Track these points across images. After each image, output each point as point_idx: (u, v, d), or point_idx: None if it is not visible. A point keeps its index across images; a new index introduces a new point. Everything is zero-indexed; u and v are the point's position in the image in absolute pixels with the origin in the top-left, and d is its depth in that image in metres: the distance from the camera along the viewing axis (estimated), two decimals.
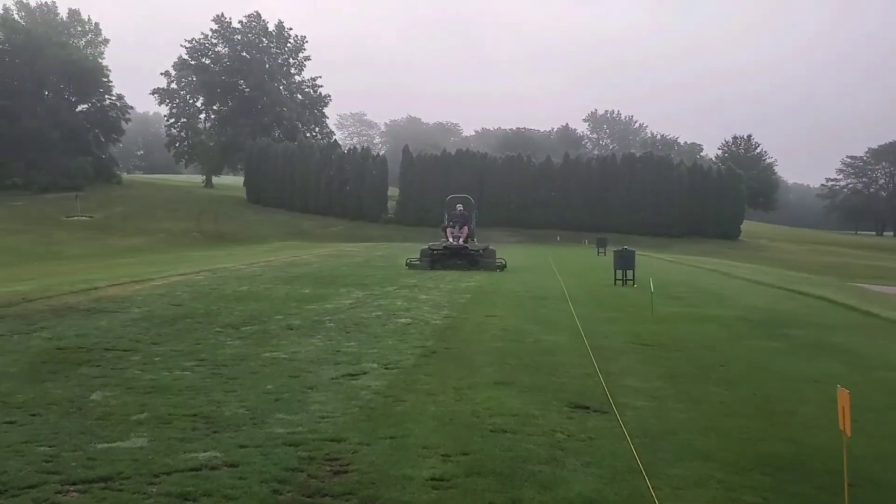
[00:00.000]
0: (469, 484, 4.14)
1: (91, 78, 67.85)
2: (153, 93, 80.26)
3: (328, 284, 15.98)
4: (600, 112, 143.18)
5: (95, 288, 13.67)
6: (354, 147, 75.62)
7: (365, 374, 7.09)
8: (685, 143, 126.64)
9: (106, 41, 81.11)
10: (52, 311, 10.67)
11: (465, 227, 22.92)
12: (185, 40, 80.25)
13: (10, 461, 4.28)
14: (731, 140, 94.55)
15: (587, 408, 6.02)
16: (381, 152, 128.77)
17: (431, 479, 4.19)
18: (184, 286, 14.86)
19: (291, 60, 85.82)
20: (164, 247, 41.19)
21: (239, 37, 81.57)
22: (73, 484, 3.96)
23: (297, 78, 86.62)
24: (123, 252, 35.97)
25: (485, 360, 8.03)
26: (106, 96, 71.44)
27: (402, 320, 10.87)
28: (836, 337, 10.34)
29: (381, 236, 55.79)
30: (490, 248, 23.14)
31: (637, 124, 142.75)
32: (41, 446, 4.59)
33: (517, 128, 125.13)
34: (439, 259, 21.65)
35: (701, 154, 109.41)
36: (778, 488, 4.23)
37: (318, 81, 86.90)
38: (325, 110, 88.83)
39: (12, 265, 26.49)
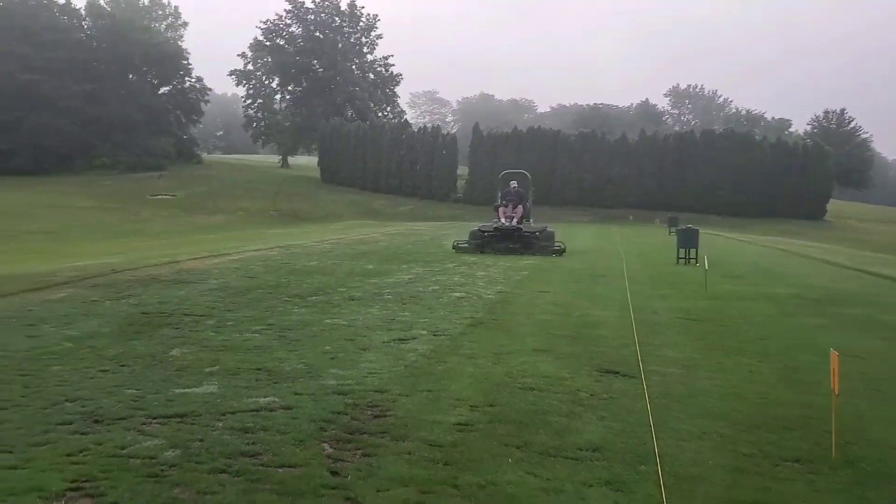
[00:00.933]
0: (490, 429, 4.69)
1: (172, 61, 70.62)
2: (230, 74, 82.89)
3: (391, 261, 16.70)
4: (682, 87, 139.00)
5: (177, 261, 14.80)
6: (425, 126, 76.07)
7: (414, 339, 7.71)
8: (773, 118, 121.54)
9: (185, 24, 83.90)
10: (137, 281, 11.74)
11: (520, 207, 20.36)
12: (261, 21, 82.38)
13: (104, 399, 5.09)
14: (821, 115, 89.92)
15: (617, 372, 6.45)
16: (453, 131, 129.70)
17: (457, 424, 4.75)
18: (257, 260, 15.86)
19: (364, 39, 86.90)
20: (243, 224, 43.04)
21: (312, 17, 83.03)
22: (155, 418, 4.71)
23: (369, 57, 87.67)
24: (204, 229, 37.88)
25: (528, 330, 8.51)
26: (186, 78, 74.16)
27: (457, 294, 11.44)
28: (890, 315, 10.30)
29: (449, 216, 56.40)
30: (548, 229, 20.54)
31: (721, 99, 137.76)
32: (129, 389, 5.39)
33: (594, 104, 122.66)
34: (489, 242, 19.65)
35: (789, 130, 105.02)
36: (776, 443, 4.60)
37: (390, 60, 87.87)
38: (397, 89, 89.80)
39: (102, 240, 28.45)
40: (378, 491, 3.64)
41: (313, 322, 8.58)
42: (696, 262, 17.51)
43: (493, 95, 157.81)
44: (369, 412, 5.00)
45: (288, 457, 4.06)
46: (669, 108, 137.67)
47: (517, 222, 20.01)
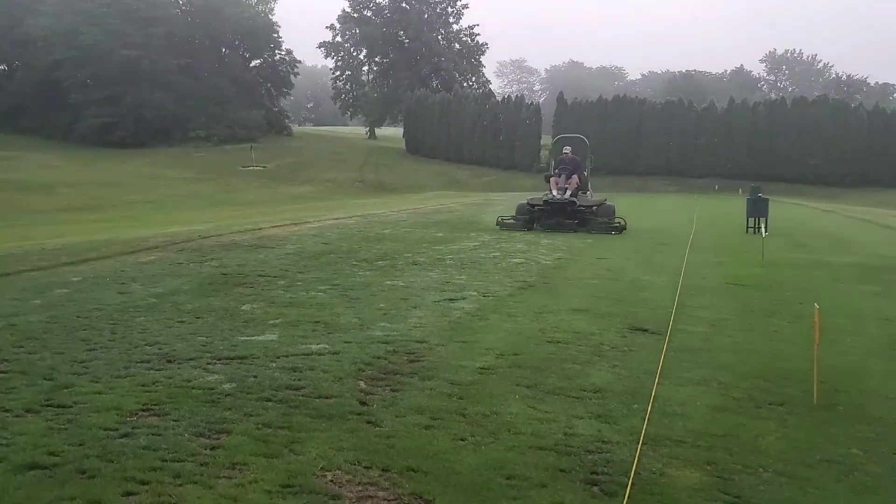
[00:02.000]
0: (507, 372, 5.24)
1: (262, 34, 73.01)
2: (319, 46, 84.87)
3: (461, 229, 17.29)
4: (779, 52, 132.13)
5: (259, 228, 15.90)
6: (508, 96, 75.81)
7: (463, 299, 8.28)
8: (876, 83, 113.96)
9: None
10: (221, 246, 12.81)
11: (574, 177, 17.71)
12: None
13: (178, 344, 5.93)
14: None
15: (646, 330, 6.83)
16: (541, 100, 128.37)
17: (480, 368, 5.32)
18: (335, 228, 16.79)
19: (449, 9, 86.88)
20: (329, 195, 44.61)
21: None
22: (219, 359, 5.49)
23: (455, 27, 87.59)
24: (292, 199, 39.57)
25: (574, 293, 8.93)
26: (276, 52, 76.51)
27: (516, 260, 11.92)
28: None
29: (532, 186, 56.14)
30: (608, 203, 18.35)
31: (821, 64, 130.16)
32: (200, 337, 6.21)
33: (686, 70, 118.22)
34: (538, 217, 17.48)
35: (894, 96, 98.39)
36: (767, 389, 4.96)
37: (476, 30, 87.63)
38: (483, 59, 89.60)
39: (195, 209, 30.36)
40: (396, 417, 4.25)
41: (374, 283, 9.29)
42: (767, 232, 17.25)
43: (582, 63, 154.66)
44: (405, 357, 5.62)
45: (325, 390, 4.74)
46: (765, 74, 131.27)
47: (571, 194, 17.44)
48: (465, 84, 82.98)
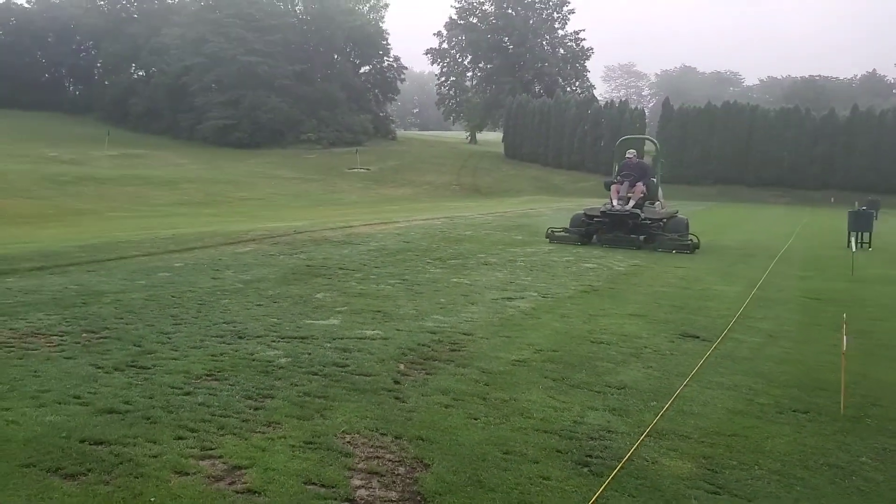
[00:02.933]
0: (539, 365, 5.54)
1: (372, 41, 75.46)
2: (426, 53, 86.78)
3: (542, 233, 17.45)
4: None
5: (350, 226, 16.75)
6: (611, 100, 74.71)
7: (522, 298, 8.60)
8: None
9: (386, 5, 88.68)
10: (312, 241, 13.67)
11: (639, 184, 15.48)
12: (455, 1, 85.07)
13: (251, 323, 6.60)
14: None
15: (697, 337, 6.92)
16: (649, 105, 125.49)
17: (515, 360, 5.65)
18: (419, 228, 17.42)
19: (556, 15, 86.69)
20: (426, 197, 45.63)
21: None
22: (283, 338, 6.09)
23: (560, 32, 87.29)
24: (391, 201, 40.79)
25: (636, 298, 9.05)
26: (385, 58, 78.88)
27: (588, 265, 12.08)
28: None
29: None
30: (679, 216, 16.05)
31: None
32: (272, 318, 6.86)
33: (809, 76, 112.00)
34: (596, 230, 15.55)
35: None
36: (797, 398, 5.01)
37: (581, 35, 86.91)
38: (588, 63, 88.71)
39: (299, 208, 31.90)
40: (422, 395, 4.67)
41: (441, 280, 9.76)
42: (870, 247, 16.49)
43: (695, 68, 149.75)
44: (448, 347, 6.03)
45: (367, 369, 5.22)
46: None
47: (634, 205, 15.24)
48: (568, 89, 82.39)
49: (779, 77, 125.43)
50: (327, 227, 16.56)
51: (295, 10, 74.43)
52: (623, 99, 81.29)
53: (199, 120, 63.85)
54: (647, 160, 18.85)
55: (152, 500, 3.08)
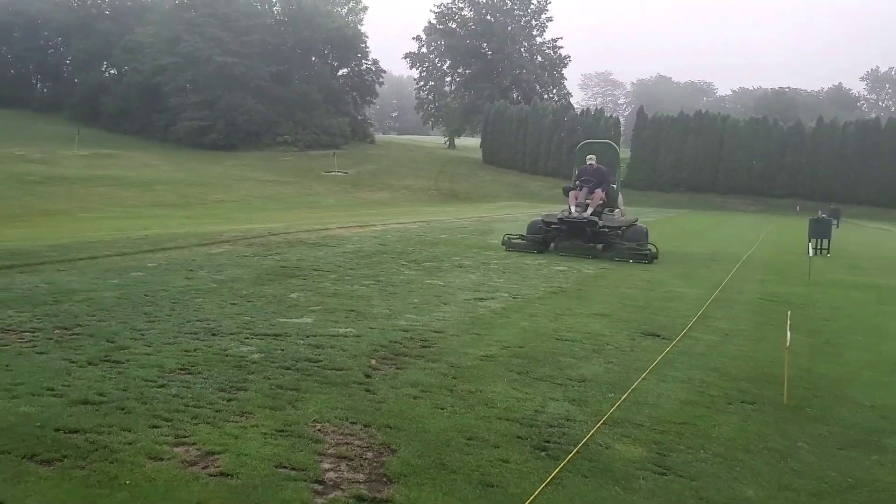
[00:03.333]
0: (506, 360, 5.76)
1: (351, 44, 75.52)
2: (405, 57, 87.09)
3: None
4: (883, 70, 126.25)
5: (326, 229, 16.88)
6: (587, 108, 75.57)
7: (493, 299, 8.82)
8: None
9: (365, 8, 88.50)
10: (286, 242, 13.78)
11: (598, 191, 14.87)
12: (434, 5, 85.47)
13: (224, 321, 6.73)
14: None
15: (657, 335, 7.19)
16: (625, 114, 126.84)
17: (482, 356, 5.86)
18: (396, 231, 17.61)
19: (534, 22, 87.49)
20: (404, 202, 45.81)
21: (484, 0, 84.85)
22: (256, 335, 6.23)
23: (539, 39, 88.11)
24: (368, 205, 40.90)
25: (602, 299, 9.32)
26: (363, 61, 78.92)
27: (559, 268, 12.35)
28: None
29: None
30: (638, 224, 15.84)
31: None
32: (245, 317, 7.00)
33: (779, 87, 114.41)
34: (553, 237, 14.95)
35: None
36: (746, 390, 5.29)
37: (559, 42, 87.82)
38: (566, 71, 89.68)
39: (275, 210, 31.93)
40: (391, 388, 4.86)
41: (415, 281, 9.95)
42: (828, 253, 17.01)
43: (670, 78, 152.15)
44: (419, 343, 6.22)
45: (338, 364, 5.39)
46: (866, 93, 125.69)
47: (592, 212, 14.67)
48: (545, 96, 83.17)
49: (750, 88, 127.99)
50: (303, 229, 16.67)
51: (272, 11, 74.33)
52: (599, 107, 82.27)
53: (174, 120, 63.41)
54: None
55: (127, 482, 3.22)
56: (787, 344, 5.19)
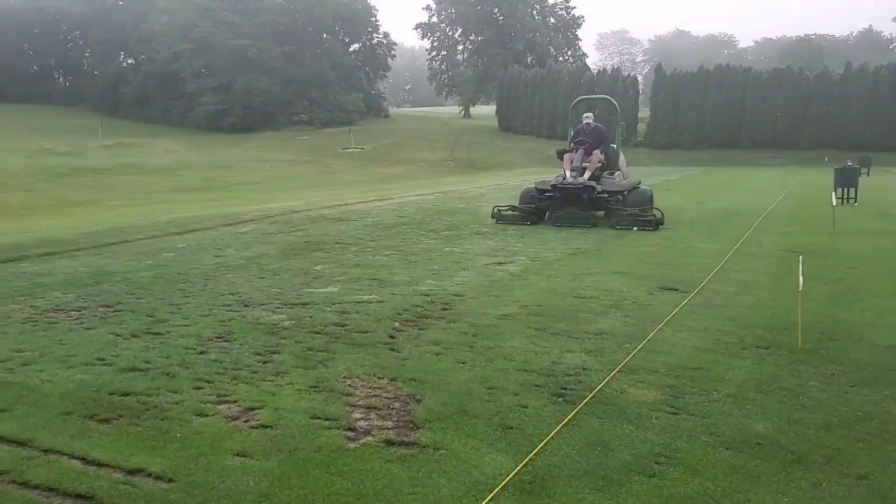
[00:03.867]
0: (524, 318, 5.98)
1: (361, 19, 75.16)
2: (416, 28, 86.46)
3: None
4: None
5: (346, 204, 17.15)
6: (604, 68, 74.58)
7: (511, 263, 9.02)
8: None
9: None
10: (308, 219, 14.07)
11: (596, 153, 13.54)
12: None
13: (255, 293, 7.03)
14: None
15: (675, 289, 7.34)
16: (643, 72, 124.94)
17: (501, 315, 6.09)
18: (414, 203, 17.82)
19: None
20: (422, 174, 45.90)
21: None
22: (286, 305, 6.52)
23: (551, 1, 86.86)
24: (386, 179, 41.09)
25: (621, 258, 9.47)
26: (374, 35, 78.55)
27: (578, 230, 12.48)
28: None
29: (628, 161, 55.53)
30: (641, 187, 14.53)
31: None
32: (274, 289, 7.29)
33: (804, 35, 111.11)
34: (546, 206, 13.75)
35: None
36: (761, 336, 5.45)
37: (572, 2, 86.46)
38: (580, 32, 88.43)
39: (295, 189, 32.23)
40: (415, 346, 5.11)
41: (434, 249, 10.18)
42: (856, 203, 16.90)
43: (689, 32, 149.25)
44: (440, 306, 6.47)
45: (364, 327, 5.66)
46: None
47: (591, 177, 13.29)
48: (560, 59, 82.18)
49: (773, 38, 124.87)
50: (323, 205, 16.95)
51: None
52: (616, 66, 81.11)
53: (191, 106, 63.86)
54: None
55: (178, 435, 3.52)
56: (800, 288, 5.32)
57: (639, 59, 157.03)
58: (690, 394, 4.23)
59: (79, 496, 2.96)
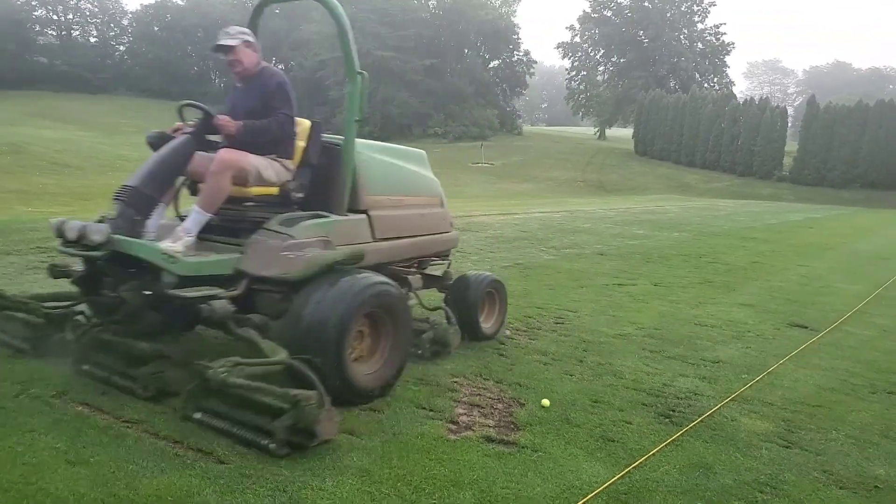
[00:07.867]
0: (639, 339, 5.88)
1: (503, 36, 75.90)
2: (557, 47, 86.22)
3: (665, 229, 17.40)
4: None
5: (470, 216, 17.38)
6: (751, 98, 71.10)
7: (633, 285, 8.86)
8: None
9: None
10: None
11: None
12: None
13: None
14: None
15: (805, 327, 6.97)
16: (795, 103, 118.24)
17: (615, 334, 6.02)
18: (538, 220, 17.79)
19: (695, 7, 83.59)
20: (548, 193, 45.66)
21: None
22: None
23: (700, 25, 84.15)
24: (513, 195, 41.22)
25: (751, 290, 9.06)
26: (515, 52, 79.04)
27: (706, 259, 12.05)
28: None
29: (769, 195, 52.68)
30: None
31: None
32: None
33: None
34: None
35: None
36: (893, 381, 5.06)
37: (722, 28, 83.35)
38: (728, 59, 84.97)
39: None
40: (523, 354, 5.16)
41: (552, 265, 10.16)
42: None
43: (849, 64, 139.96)
44: (552, 319, 6.48)
45: None
46: None
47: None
48: (705, 85, 79.30)
49: None
50: None
51: (428, 5, 76.26)
52: (764, 97, 77.20)
53: (333, 113, 66.88)
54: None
55: None
56: None
57: (790, 90, 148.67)
58: (807, 430, 4.03)
59: (199, 451, 3.22)
